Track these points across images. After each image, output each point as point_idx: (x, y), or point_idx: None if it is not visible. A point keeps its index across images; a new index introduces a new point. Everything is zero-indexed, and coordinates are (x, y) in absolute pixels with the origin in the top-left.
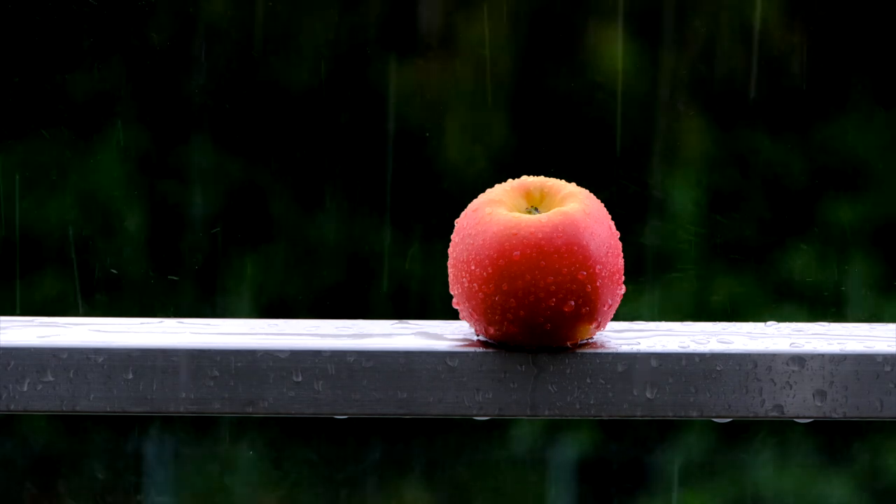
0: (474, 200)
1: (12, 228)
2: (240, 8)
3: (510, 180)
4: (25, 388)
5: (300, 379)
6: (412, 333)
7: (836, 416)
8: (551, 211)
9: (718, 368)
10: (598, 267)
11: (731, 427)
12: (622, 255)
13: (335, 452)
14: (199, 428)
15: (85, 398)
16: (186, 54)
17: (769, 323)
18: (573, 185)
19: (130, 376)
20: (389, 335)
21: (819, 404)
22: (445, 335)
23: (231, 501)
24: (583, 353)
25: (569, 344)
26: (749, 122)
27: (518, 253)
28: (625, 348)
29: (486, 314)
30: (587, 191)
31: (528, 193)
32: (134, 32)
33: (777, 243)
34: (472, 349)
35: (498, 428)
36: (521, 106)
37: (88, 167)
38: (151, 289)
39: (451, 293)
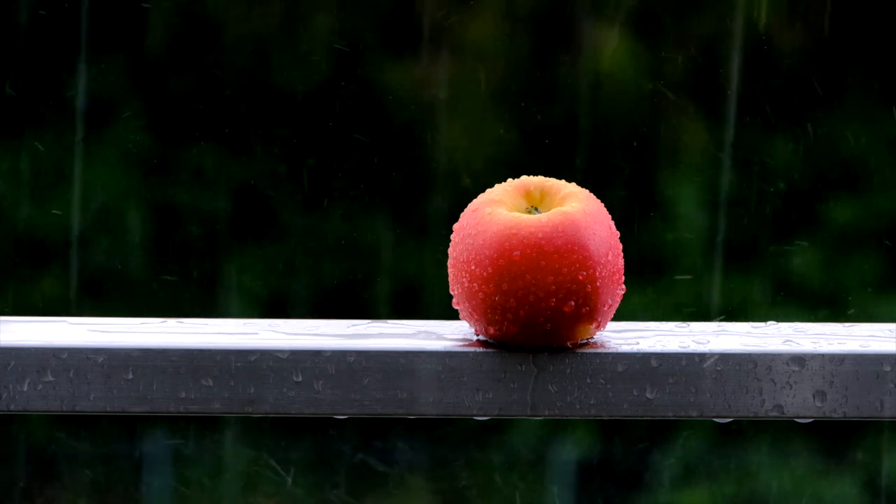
0: (474, 200)
1: (12, 228)
2: (241, 9)
3: (510, 180)
4: (25, 388)
5: (300, 379)
6: (412, 333)
7: (836, 416)
8: (551, 211)
9: (718, 368)
10: (598, 267)
11: (731, 427)
12: (622, 255)
13: (336, 452)
14: (199, 428)
15: (85, 398)
16: (188, 55)
17: (769, 323)
18: (573, 184)
19: (130, 376)
20: (389, 335)
21: (819, 404)
22: (445, 335)
23: (230, 501)
24: (583, 353)
25: (569, 344)
26: (750, 122)
27: (518, 253)
28: (625, 348)
29: (486, 314)
30: (587, 191)
31: (528, 193)
32: (135, 33)
33: (777, 243)
34: (472, 349)
35: (498, 428)
36: (522, 105)
37: (89, 167)
38: (151, 289)
39: (451, 293)
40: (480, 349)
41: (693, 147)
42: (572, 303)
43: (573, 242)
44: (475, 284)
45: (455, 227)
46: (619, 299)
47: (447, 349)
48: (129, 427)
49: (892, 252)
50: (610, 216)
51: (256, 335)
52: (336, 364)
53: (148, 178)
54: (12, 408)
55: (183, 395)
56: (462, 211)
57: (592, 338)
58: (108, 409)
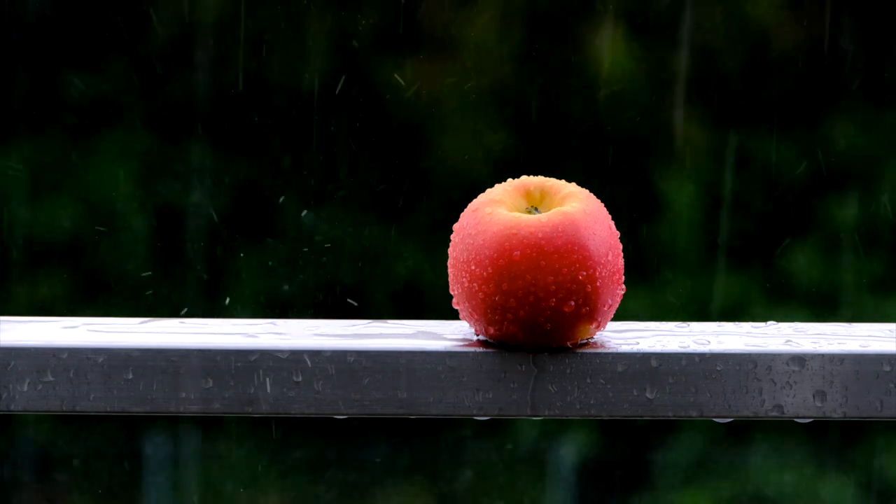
0: (474, 200)
1: (12, 228)
2: (241, 9)
3: (510, 180)
4: (25, 388)
5: (300, 379)
6: (412, 333)
7: (836, 416)
8: (551, 211)
9: (718, 368)
10: (598, 267)
11: (731, 427)
12: (622, 254)
13: (335, 452)
14: (198, 428)
15: (85, 398)
16: (188, 55)
17: (769, 323)
18: (573, 185)
19: (130, 376)
20: (389, 335)
21: (819, 404)
22: (445, 335)
23: (231, 501)
24: (583, 353)
25: (569, 344)
26: (749, 122)
27: (518, 253)
28: (625, 348)
29: (486, 314)
30: (587, 191)
31: (528, 193)
32: (136, 33)
33: (777, 243)
34: (472, 349)
35: (498, 428)
36: (521, 106)
37: (89, 167)
38: (151, 289)
39: (451, 293)
40: (480, 349)
41: (693, 147)
42: (572, 303)
43: (573, 242)
44: (475, 284)
45: (455, 227)
46: (619, 299)
47: (447, 349)
48: (129, 427)
49: (892, 252)
50: (610, 216)
51: (256, 335)
52: (336, 364)
53: (148, 177)
54: (12, 408)
55: (183, 395)
56: (462, 211)
57: (592, 338)
58: (108, 409)
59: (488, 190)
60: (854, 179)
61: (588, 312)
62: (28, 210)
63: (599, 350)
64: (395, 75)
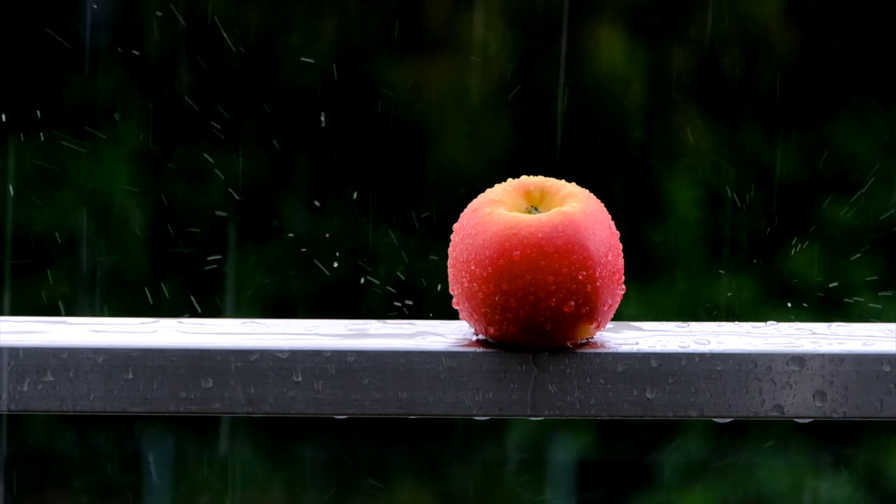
0: (474, 200)
1: (12, 228)
2: (241, 8)
3: (510, 180)
4: (25, 388)
5: (300, 379)
6: (412, 333)
7: (836, 416)
8: (551, 211)
9: (718, 368)
10: (598, 267)
11: (731, 427)
12: (622, 255)
13: (336, 452)
14: (199, 428)
15: (85, 398)
16: (187, 54)
17: (769, 323)
18: (573, 185)
19: (130, 376)
20: (389, 335)
21: (819, 404)
22: (445, 335)
23: (231, 501)
24: (583, 353)
25: (569, 344)
26: (749, 122)
27: (518, 253)
28: (625, 348)
29: (486, 314)
30: (587, 191)
31: (528, 193)
32: (135, 33)
33: (777, 243)
34: (472, 349)
35: (498, 428)
36: (521, 105)
37: (89, 167)
38: (151, 289)
39: (451, 293)
40: (480, 349)
41: (693, 147)
42: (572, 303)
43: (573, 242)
44: (475, 284)
45: (455, 227)
46: (619, 299)
47: (447, 349)
48: (128, 427)
49: (891, 252)
50: (610, 216)
51: (256, 335)
52: (336, 364)
53: (148, 177)
54: (12, 408)
55: (183, 395)
56: (462, 211)
57: (592, 338)
58: (108, 409)
59: (488, 190)
60: (854, 180)
61: (588, 312)
62: (28, 209)
63: (599, 350)
64: (395, 75)
